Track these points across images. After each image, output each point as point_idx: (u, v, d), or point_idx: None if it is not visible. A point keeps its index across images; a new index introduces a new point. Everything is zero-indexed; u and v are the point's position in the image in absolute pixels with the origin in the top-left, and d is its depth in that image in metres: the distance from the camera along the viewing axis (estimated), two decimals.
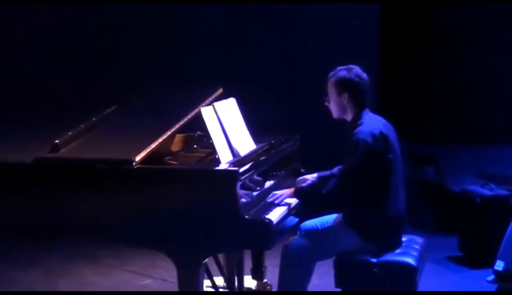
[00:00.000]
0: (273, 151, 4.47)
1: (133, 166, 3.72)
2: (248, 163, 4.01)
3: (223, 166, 3.88)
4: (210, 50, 7.80)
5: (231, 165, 3.86)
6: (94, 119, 4.30)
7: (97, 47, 7.67)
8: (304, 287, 4.15)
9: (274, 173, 4.56)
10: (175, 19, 7.83)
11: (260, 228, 3.68)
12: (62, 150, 3.97)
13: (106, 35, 7.67)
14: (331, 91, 4.18)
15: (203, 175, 3.79)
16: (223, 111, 4.23)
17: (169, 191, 3.71)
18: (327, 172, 4.46)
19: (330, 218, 4.32)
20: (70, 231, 3.95)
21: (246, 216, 3.68)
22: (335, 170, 4.45)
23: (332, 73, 4.20)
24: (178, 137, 4.55)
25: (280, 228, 3.98)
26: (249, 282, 4.96)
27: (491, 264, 5.09)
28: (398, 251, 4.11)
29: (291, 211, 4.14)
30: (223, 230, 3.67)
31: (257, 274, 4.97)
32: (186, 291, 3.75)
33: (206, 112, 4.08)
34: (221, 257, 4.59)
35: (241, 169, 3.80)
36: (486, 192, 5.88)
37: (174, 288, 3.82)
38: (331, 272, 4.12)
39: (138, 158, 3.74)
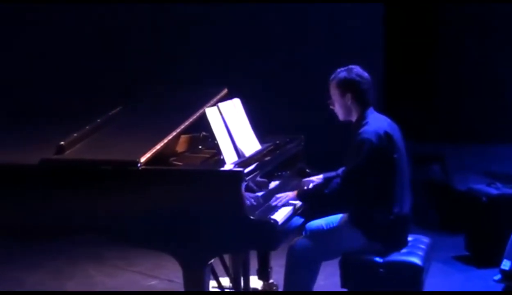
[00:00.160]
0: (278, 152, 4.47)
1: (138, 167, 3.72)
2: (253, 163, 4.00)
3: (228, 166, 3.88)
4: (215, 51, 7.80)
5: (236, 166, 3.85)
6: (99, 120, 4.31)
7: (101, 48, 7.68)
8: (309, 287, 4.15)
9: (279, 173, 4.56)
10: (180, 19, 7.83)
11: (265, 228, 3.68)
12: (68, 152, 3.97)
13: (110, 35, 7.68)
14: (334, 93, 4.18)
15: (208, 176, 3.79)
16: (227, 112, 4.23)
17: (174, 192, 3.71)
18: (332, 173, 4.46)
19: (335, 218, 4.32)
20: (76, 232, 3.96)
21: (251, 217, 3.68)
22: (340, 171, 4.44)
23: (333, 75, 4.20)
24: (183, 138, 4.56)
25: (286, 229, 3.97)
26: (255, 282, 4.96)
27: (497, 264, 5.08)
28: (404, 251, 4.11)
29: (296, 211, 4.14)
30: (228, 230, 3.67)
31: (263, 274, 4.97)
32: (192, 291, 3.75)
33: (211, 112, 4.08)
34: (227, 257, 4.59)
35: (246, 170, 3.80)
36: (493, 191, 5.86)
37: (180, 288, 3.82)
38: (337, 272, 4.12)
39: (143, 159, 3.74)
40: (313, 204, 4.19)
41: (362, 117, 4.12)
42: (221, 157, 3.98)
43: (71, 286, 5.49)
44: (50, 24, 7.55)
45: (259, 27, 7.97)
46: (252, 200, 3.94)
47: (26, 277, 5.68)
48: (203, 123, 4.09)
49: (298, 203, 4.17)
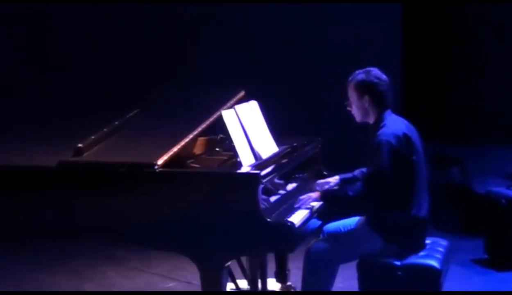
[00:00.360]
0: (295, 154, 4.46)
1: (155, 169, 3.73)
2: (270, 165, 4.00)
3: (245, 169, 3.89)
4: (232, 52, 7.80)
5: (253, 168, 3.86)
6: (116, 122, 4.33)
7: (119, 50, 7.71)
8: (327, 290, 4.14)
9: (296, 175, 4.55)
10: (196, 20, 7.84)
11: (282, 231, 3.67)
12: (85, 154, 3.99)
13: (126, 38, 7.70)
14: (352, 95, 4.18)
15: (224, 178, 3.79)
16: (244, 114, 4.23)
17: (191, 194, 3.71)
18: (349, 175, 4.45)
19: (353, 221, 4.31)
20: (93, 234, 3.97)
21: (268, 219, 3.68)
22: (356, 172, 4.44)
23: (350, 77, 4.20)
24: (201, 140, 4.56)
25: (303, 231, 3.97)
26: (273, 284, 4.96)
27: None
28: (422, 253, 4.09)
29: (313, 214, 4.13)
30: (245, 233, 3.67)
31: (281, 277, 4.97)
32: (209, 292, 3.75)
33: (227, 115, 4.08)
34: (244, 259, 4.59)
35: (263, 172, 3.80)
36: None
37: (198, 290, 3.82)
38: (355, 275, 4.11)
39: (160, 162, 3.75)
40: (335, 206, 4.18)
41: (380, 119, 4.11)
42: (238, 160, 3.99)
43: (89, 288, 5.52)
44: (65, 25, 7.58)
45: (277, 29, 7.96)
46: (265, 202, 3.94)
47: (46, 278, 5.72)
48: (221, 125, 4.09)
49: (316, 205, 4.17)
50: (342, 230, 4.29)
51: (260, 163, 4.00)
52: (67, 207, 3.91)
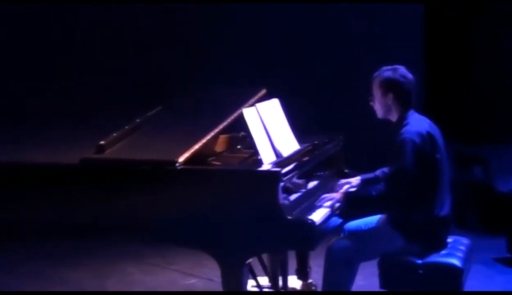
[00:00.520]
0: (316, 152, 4.46)
1: (177, 167, 3.74)
2: (291, 163, 4.00)
3: (265, 167, 3.89)
4: (254, 50, 7.80)
5: (274, 166, 3.86)
6: (138, 120, 4.35)
7: (139, 48, 7.74)
8: (348, 287, 4.13)
9: (317, 173, 4.55)
10: (216, 20, 7.85)
11: (303, 229, 3.67)
12: (107, 151, 4.01)
13: (147, 36, 7.73)
14: (376, 92, 4.16)
15: (245, 176, 3.79)
16: (265, 112, 4.23)
17: (212, 192, 3.72)
18: (370, 175, 4.44)
19: (374, 219, 4.31)
20: (115, 231, 4.00)
21: (289, 217, 3.68)
22: (378, 172, 4.43)
23: (377, 73, 4.18)
24: (222, 137, 4.58)
25: (323, 229, 3.97)
26: (294, 282, 4.97)
27: None
28: (443, 252, 4.07)
29: (334, 212, 4.13)
30: (265, 230, 3.67)
31: (302, 274, 4.98)
32: (230, 292, 3.76)
33: (248, 113, 4.09)
34: (265, 257, 4.60)
35: (284, 170, 3.80)
36: None
37: (220, 288, 3.83)
38: (376, 272, 4.10)
39: (181, 159, 3.76)
40: (358, 206, 4.17)
41: (403, 118, 4.10)
42: (259, 158, 3.99)
43: (110, 284, 5.55)
44: (87, 22, 7.62)
45: (298, 26, 7.95)
46: (285, 200, 3.94)
47: (70, 275, 5.76)
48: (242, 123, 4.10)
49: (337, 204, 4.16)
50: (363, 228, 4.28)
51: (281, 161, 4.00)
52: (89, 204, 3.94)
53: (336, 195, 4.17)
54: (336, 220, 4.33)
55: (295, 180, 4.12)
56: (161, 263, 5.96)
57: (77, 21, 7.62)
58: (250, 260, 3.81)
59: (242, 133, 4.60)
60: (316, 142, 4.55)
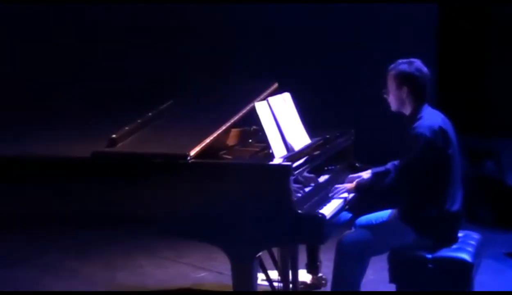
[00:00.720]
0: (327, 146, 4.47)
1: (188, 160, 3.76)
2: (302, 157, 4.01)
3: (276, 160, 3.90)
4: (266, 44, 7.80)
5: (285, 160, 3.86)
6: (150, 114, 4.37)
7: (152, 44, 7.76)
8: (358, 282, 4.14)
9: (328, 167, 4.56)
10: (229, 17, 7.86)
11: (313, 222, 3.68)
12: (119, 145, 4.03)
13: (160, 33, 7.75)
14: (391, 84, 4.15)
15: (256, 169, 3.80)
16: (277, 106, 4.24)
17: (223, 185, 3.73)
18: (381, 168, 4.43)
19: (385, 213, 4.31)
20: (126, 223, 4.02)
21: (299, 211, 3.69)
22: (389, 165, 4.42)
23: (392, 65, 4.16)
24: (234, 131, 4.59)
25: (334, 223, 3.97)
26: (304, 276, 4.97)
27: None
28: (453, 247, 4.07)
29: (345, 206, 4.13)
30: (276, 224, 3.68)
31: (312, 268, 4.99)
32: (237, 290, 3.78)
33: (260, 107, 4.09)
34: (275, 250, 4.60)
35: (295, 164, 3.80)
36: None
37: (230, 281, 3.84)
38: (386, 267, 4.09)
39: (192, 153, 3.78)
40: (370, 196, 4.18)
41: (416, 112, 4.09)
42: (270, 151, 4.00)
43: (121, 277, 5.57)
44: (96, 18, 7.65)
45: (311, 22, 7.94)
46: (298, 191, 3.94)
47: (80, 266, 5.78)
48: (254, 117, 4.10)
49: (348, 196, 4.17)
50: (374, 222, 4.28)
51: (292, 155, 4.01)
52: (100, 197, 3.96)
53: (348, 186, 4.19)
54: (347, 214, 4.34)
55: (306, 174, 4.13)
56: (172, 257, 5.98)
57: (92, 16, 7.66)
58: (260, 253, 3.83)
59: (254, 126, 4.61)
60: (327, 136, 4.55)
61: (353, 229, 4.34)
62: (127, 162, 3.90)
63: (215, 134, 3.98)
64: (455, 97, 8.29)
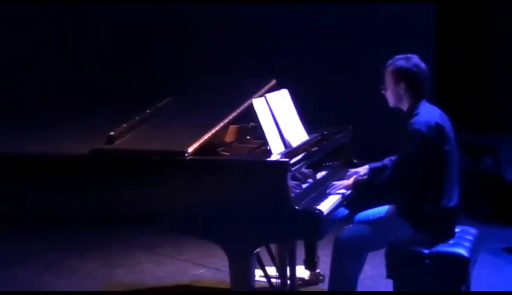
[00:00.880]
0: (325, 142, 4.48)
1: (186, 157, 3.76)
2: (300, 154, 4.02)
3: (274, 157, 3.91)
4: (265, 42, 7.81)
5: (283, 156, 3.88)
6: (148, 111, 4.38)
7: (153, 42, 7.78)
8: (355, 277, 4.15)
9: (326, 163, 4.57)
10: (228, 16, 7.87)
11: (310, 218, 3.68)
12: (117, 142, 4.04)
13: (155, 30, 7.77)
14: (389, 80, 4.16)
15: (253, 166, 3.80)
16: (275, 102, 4.25)
17: (221, 182, 3.75)
18: (378, 164, 4.45)
19: (382, 209, 4.31)
20: (124, 220, 4.03)
21: (297, 207, 3.70)
22: (386, 161, 4.44)
23: (390, 61, 4.16)
24: (232, 128, 4.60)
25: (331, 219, 3.98)
26: (302, 272, 4.99)
27: None
28: (450, 242, 4.08)
29: (343, 202, 4.15)
30: (273, 220, 3.69)
31: (310, 264, 5.00)
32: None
33: (258, 103, 4.10)
34: (273, 247, 4.62)
35: (292, 160, 3.81)
36: None
37: (228, 277, 3.85)
38: (384, 262, 4.10)
39: (190, 150, 3.78)
40: (367, 194, 4.19)
41: (413, 108, 4.10)
42: (268, 148, 4.01)
43: (120, 273, 5.58)
44: (110, 22, 7.68)
45: (309, 19, 7.95)
46: (296, 188, 3.95)
47: (78, 264, 5.79)
48: (252, 113, 4.11)
49: (346, 192, 4.18)
50: (372, 218, 4.29)
51: (290, 151, 4.02)
52: (99, 194, 3.97)
53: (346, 182, 4.20)
54: (344, 211, 4.34)
55: (303, 170, 4.14)
56: (171, 253, 5.99)
57: (90, 15, 7.67)
58: (257, 249, 3.83)
59: (252, 123, 4.62)
60: (325, 132, 4.56)
61: (350, 225, 4.35)
62: (125, 159, 3.90)
63: (213, 131, 3.98)
64: (453, 92, 8.30)
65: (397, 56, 4.16)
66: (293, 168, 3.82)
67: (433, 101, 4.22)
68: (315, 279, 5.01)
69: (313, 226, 3.69)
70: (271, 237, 3.84)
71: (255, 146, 4.38)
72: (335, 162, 4.71)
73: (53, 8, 7.48)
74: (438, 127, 4.01)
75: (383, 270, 4.11)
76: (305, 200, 3.98)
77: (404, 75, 4.10)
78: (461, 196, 4.15)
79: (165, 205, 3.83)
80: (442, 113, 4.15)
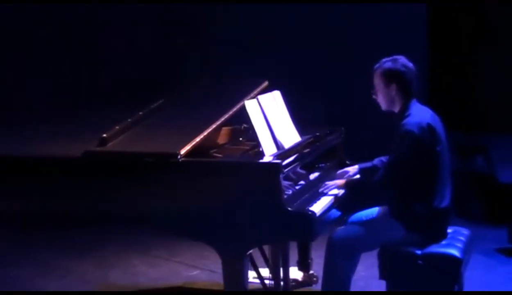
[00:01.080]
0: (317, 143, 4.49)
1: (178, 159, 3.77)
2: (292, 155, 4.03)
3: (266, 158, 3.92)
4: (255, 43, 7.82)
5: (275, 158, 3.89)
6: (141, 113, 4.38)
7: (149, 44, 7.79)
8: (349, 278, 4.16)
9: (319, 165, 4.58)
10: (221, 13, 7.88)
11: (303, 220, 3.69)
12: (110, 144, 4.04)
13: (151, 30, 7.77)
14: (378, 83, 4.17)
15: (246, 168, 3.81)
16: (267, 104, 4.26)
17: (213, 184, 3.75)
18: (368, 164, 4.47)
19: (375, 210, 4.33)
20: (118, 222, 4.03)
21: (289, 208, 3.71)
22: (376, 161, 4.45)
23: (377, 65, 4.18)
24: (224, 130, 4.61)
25: (324, 220, 4.00)
26: (295, 273, 5.00)
27: None
28: (443, 242, 4.09)
29: (335, 203, 4.16)
30: (266, 222, 3.70)
31: (303, 265, 5.01)
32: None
33: (250, 105, 4.11)
34: (266, 248, 4.62)
35: (284, 162, 3.82)
36: None
37: (221, 279, 3.86)
38: (377, 263, 4.12)
39: (183, 151, 3.79)
40: (359, 194, 4.20)
41: (405, 108, 4.11)
42: (261, 149, 4.02)
43: (113, 275, 5.59)
44: (93, 19, 7.67)
45: (300, 19, 7.96)
46: (289, 188, 3.96)
47: (73, 266, 5.79)
48: (245, 115, 4.12)
49: (338, 193, 4.20)
50: (364, 219, 4.30)
51: (282, 153, 4.03)
52: (92, 196, 3.98)
53: (338, 182, 4.21)
54: (337, 212, 4.36)
55: (296, 171, 4.15)
56: (164, 255, 5.99)
57: (90, 14, 7.67)
58: (250, 251, 3.84)
59: (244, 125, 4.62)
60: (317, 134, 4.57)
61: (343, 226, 4.36)
62: (118, 161, 3.91)
63: (205, 133, 3.99)
64: (445, 93, 8.32)
65: (384, 59, 4.18)
66: (286, 170, 3.83)
67: (424, 102, 4.24)
68: (308, 280, 5.02)
69: (305, 227, 3.70)
70: (264, 238, 3.84)
71: (247, 147, 4.39)
72: (328, 164, 4.72)
73: (51, 8, 7.47)
74: (430, 128, 4.02)
75: (376, 271, 4.12)
76: (298, 202, 3.99)
77: (394, 76, 4.12)
78: (453, 197, 4.16)
79: (158, 206, 3.83)
80: (433, 114, 4.16)
